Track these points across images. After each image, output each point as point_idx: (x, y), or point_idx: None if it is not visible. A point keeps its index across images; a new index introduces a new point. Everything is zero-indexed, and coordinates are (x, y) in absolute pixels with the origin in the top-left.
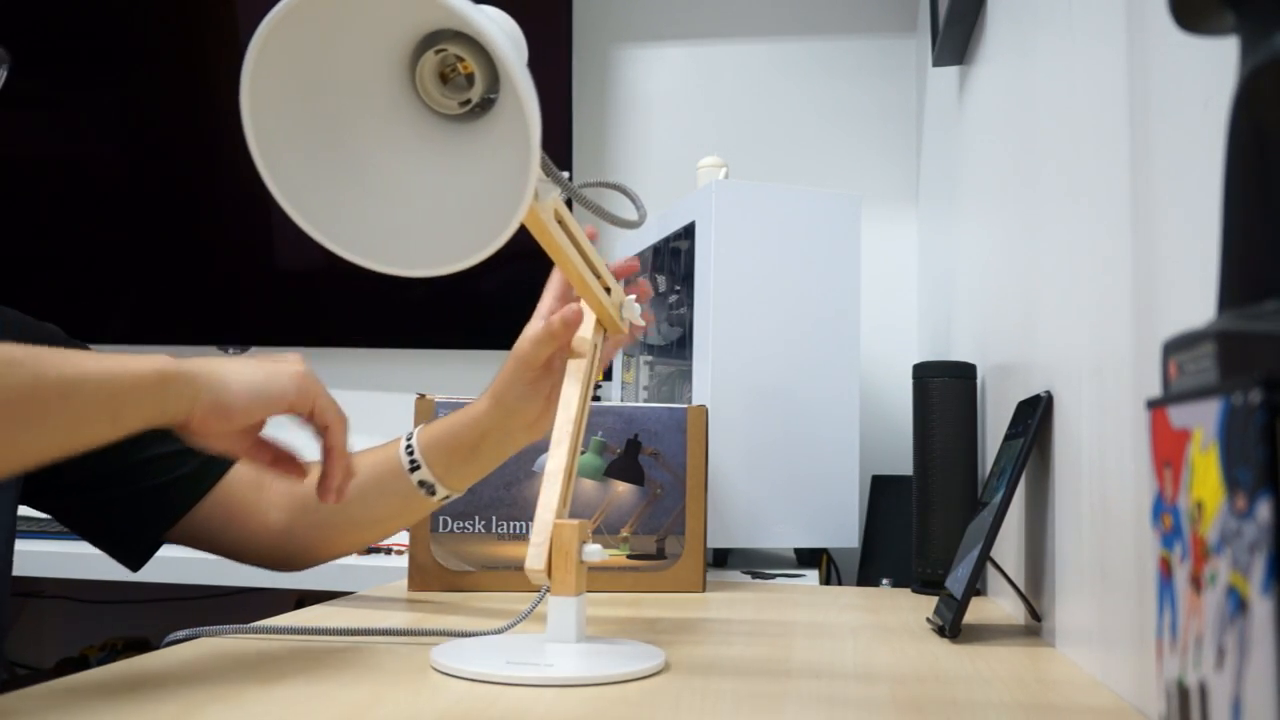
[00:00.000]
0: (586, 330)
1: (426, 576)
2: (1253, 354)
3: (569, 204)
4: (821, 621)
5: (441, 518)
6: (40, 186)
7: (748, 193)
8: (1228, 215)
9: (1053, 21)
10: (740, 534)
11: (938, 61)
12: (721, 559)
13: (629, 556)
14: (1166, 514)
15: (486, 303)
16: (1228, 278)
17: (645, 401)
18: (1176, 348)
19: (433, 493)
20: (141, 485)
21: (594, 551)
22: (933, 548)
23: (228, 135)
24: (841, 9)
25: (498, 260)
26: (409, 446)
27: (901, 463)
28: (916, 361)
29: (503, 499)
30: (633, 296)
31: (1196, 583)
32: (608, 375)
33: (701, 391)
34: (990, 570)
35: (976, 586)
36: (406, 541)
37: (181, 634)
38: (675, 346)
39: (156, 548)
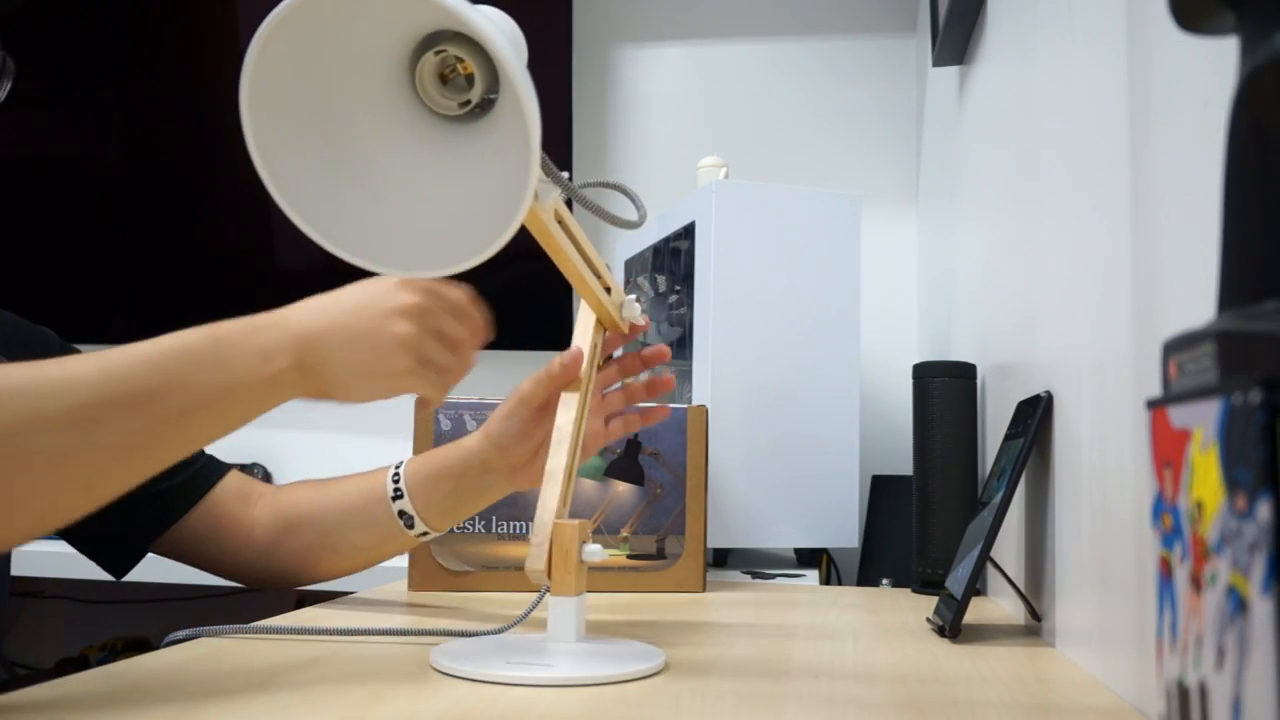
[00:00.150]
0: (586, 330)
1: (426, 577)
2: (1253, 354)
3: (568, 204)
4: (821, 621)
5: None
6: (40, 186)
7: (748, 193)
8: (1228, 215)
9: (1053, 21)
10: (740, 534)
11: (938, 61)
12: (721, 559)
13: (629, 556)
14: (1166, 514)
15: (487, 303)
16: (1228, 278)
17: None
18: (1176, 348)
19: (411, 526)
20: (132, 494)
21: (594, 552)
22: (933, 548)
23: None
24: (841, 9)
25: (498, 261)
26: (396, 474)
27: (901, 463)
28: (916, 361)
29: (503, 499)
30: (633, 296)
31: (1196, 583)
32: None
33: (701, 391)
34: (990, 570)
35: (976, 586)
36: None
37: (181, 634)
38: (675, 346)
39: (142, 556)
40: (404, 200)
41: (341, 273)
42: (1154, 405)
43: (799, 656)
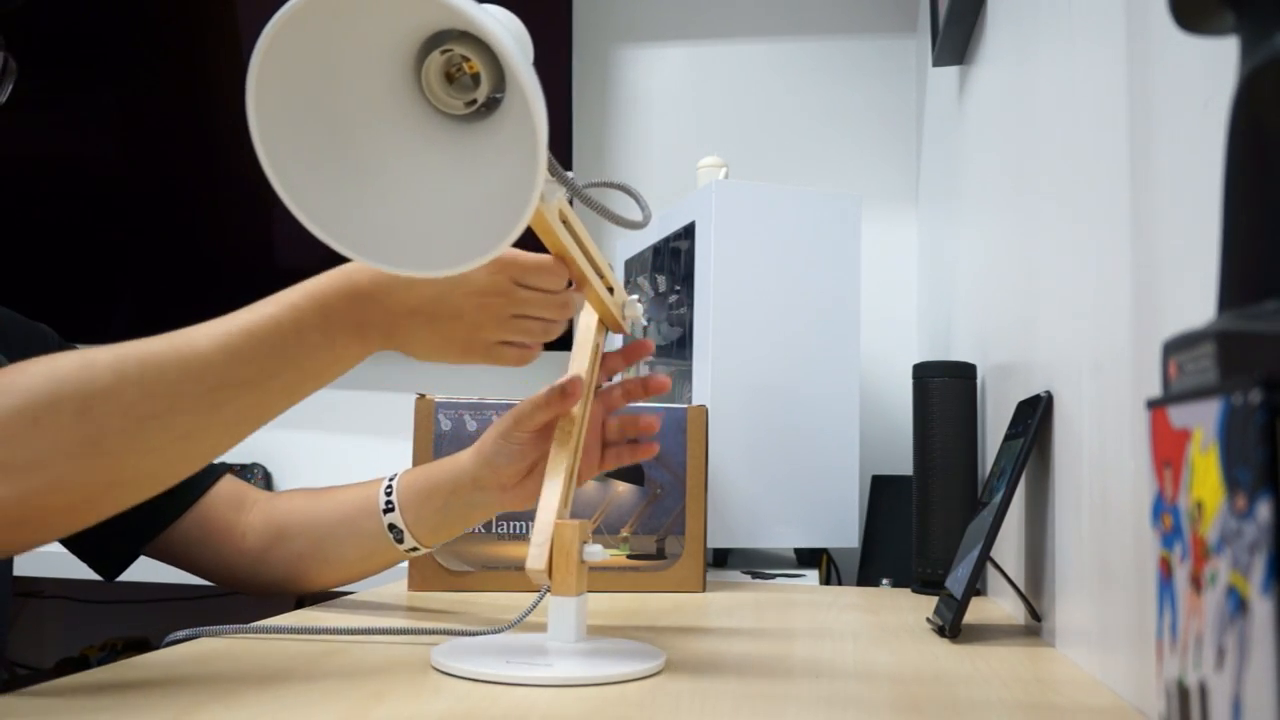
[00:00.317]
0: (589, 329)
1: (426, 576)
2: (1253, 354)
3: (572, 203)
4: (821, 621)
5: None
6: (40, 186)
7: (748, 193)
8: (1228, 215)
9: (1053, 21)
10: (740, 534)
11: (938, 61)
12: (721, 559)
13: (629, 556)
14: (1166, 514)
15: None
16: (1228, 278)
17: (645, 401)
18: (1176, 348)
19: (401, 540)
20: None
21: (595, 552)
22: (933, 548)
23: (228, 135)
24: (841, 9)
25: None
26: (389, 486)
27: (901, 463)
28: (916, 361)
29: None
30: (635, 296)
31: (1196, 583)
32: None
33: (701, 391)
34: (990, 570)
35: (976, 586)
36: None
37: (182, 634)
38: (675, 346)
39: (134, 559)
40: (410, 199)
41: None
42: (1154, 405)
43: (799, 656)
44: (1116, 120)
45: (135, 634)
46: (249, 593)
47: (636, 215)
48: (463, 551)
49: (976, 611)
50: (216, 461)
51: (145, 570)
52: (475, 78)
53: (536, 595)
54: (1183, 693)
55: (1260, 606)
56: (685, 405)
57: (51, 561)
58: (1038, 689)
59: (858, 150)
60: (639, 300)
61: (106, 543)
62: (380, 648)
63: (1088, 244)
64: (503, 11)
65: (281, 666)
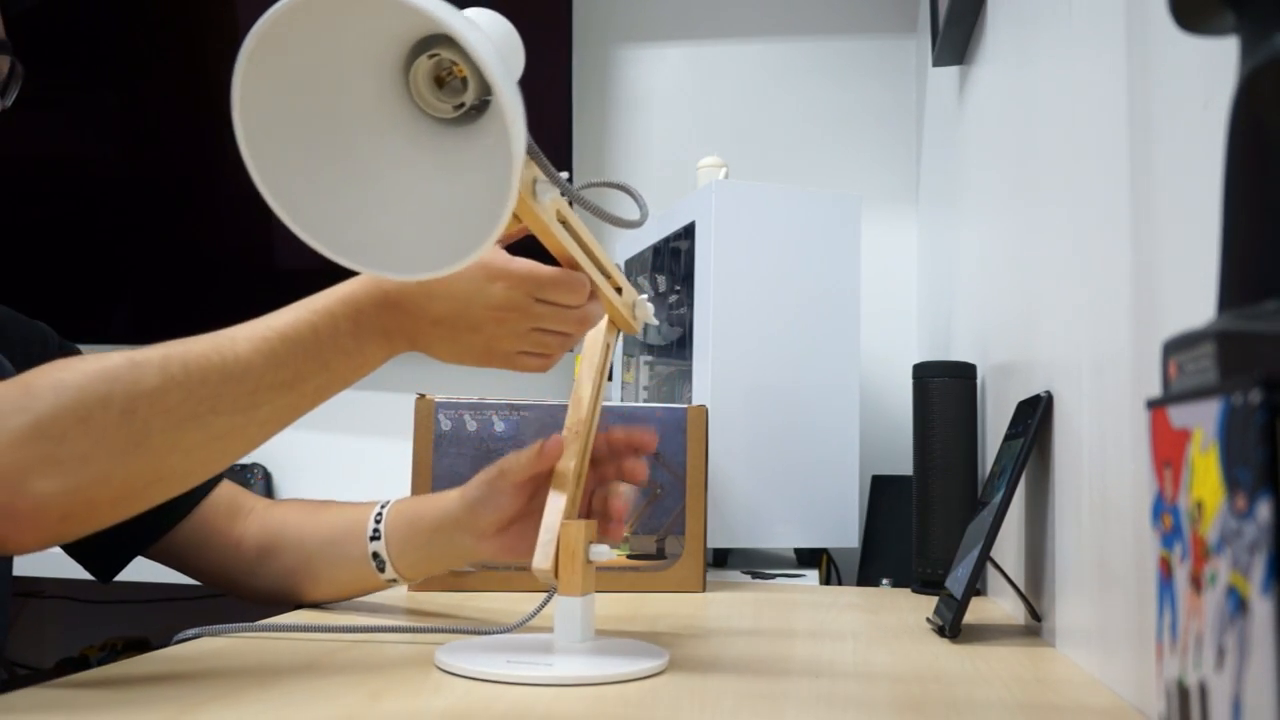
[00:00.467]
0: (600, 329)
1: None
2: (1253, 354)
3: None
4: (821, 621)
5: None
6: (40, 186)
7: (748, 193)
8: (1228, 215)
9: (1053, 21)
10: (740, 534)
11: (938, 62)
12: (721, 559)
13: (629, 556)
14: (1166, 514)
15: None
16: (1228, 278)
17: (645, 401)
18: (1176, 348)
19: (382, 569)
20: None
21: (602, 552)
22: (933, 548)
23: (227, 135)
24: (841, 9)
25: None
26: (379, 514)
27: (901, 463)
28: (916, 361)
29: None
30: (645, 295)
31: (1196, 583)
32: (609, 376)
33: (701, 391)
34: (990, 570)
35: (976, 586)
36: None
37: (191, 633)
38: (675, 346)
39: (129, 562)
40: (397, 203)
41: (342, 273)
42: (1154, 405)
43: (799, 656)
44: (1116, 120)
45: (135, 634)
46: (245, 599)
47: (635, 215)
48: None
49: (976, 611)
50: None
51: (145, 570)
52: (466, 81)
53: (538, 595)
54: (1183, 693)
55: (1260, 606)
56: (685, 405)
57: (51, 561)
58: (1038, 689)
59: (858, 150)
60: (648, 299)
61: (104, 548)
62: (381, 647)
63: (1088, 244)
64: (488, 15)
65: (282, 666)
